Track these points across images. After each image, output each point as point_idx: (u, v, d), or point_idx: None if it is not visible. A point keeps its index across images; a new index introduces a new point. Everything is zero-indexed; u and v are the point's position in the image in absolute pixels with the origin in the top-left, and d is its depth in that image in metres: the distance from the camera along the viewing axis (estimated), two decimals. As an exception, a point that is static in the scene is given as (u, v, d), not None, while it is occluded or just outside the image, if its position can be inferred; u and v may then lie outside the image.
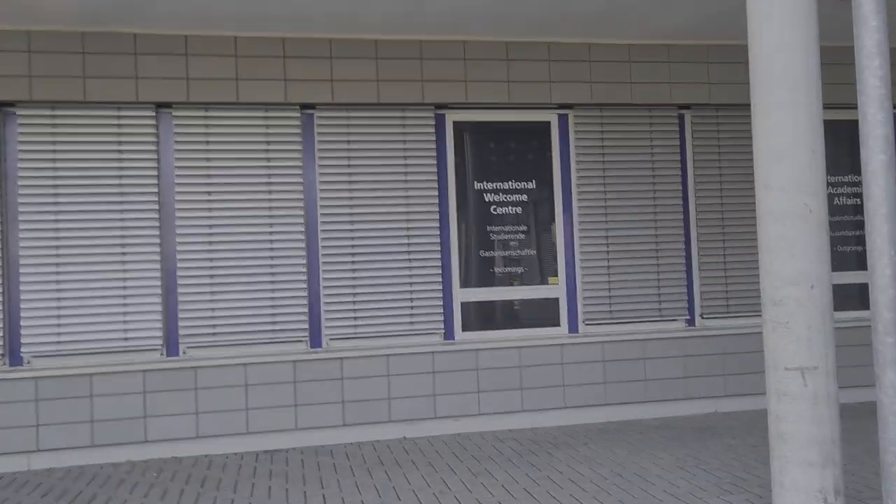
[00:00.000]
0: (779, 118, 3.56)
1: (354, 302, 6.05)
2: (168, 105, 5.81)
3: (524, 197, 6.47)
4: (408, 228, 6.17)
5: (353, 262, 6.06)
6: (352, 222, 6.07)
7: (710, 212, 6.73)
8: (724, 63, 6.64)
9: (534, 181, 6.50)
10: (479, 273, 6.39)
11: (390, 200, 6.15)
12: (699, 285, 6.69)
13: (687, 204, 6.71)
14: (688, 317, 6.64)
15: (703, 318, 6.68)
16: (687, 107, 6.73)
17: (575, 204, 6.51)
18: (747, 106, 6.97)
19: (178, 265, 5.77)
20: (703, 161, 6.73)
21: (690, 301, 6.68)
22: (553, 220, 6.51)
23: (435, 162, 6.25)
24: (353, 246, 6.07)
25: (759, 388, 6.56)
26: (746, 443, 5.46)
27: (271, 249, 5.92)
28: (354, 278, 6.06)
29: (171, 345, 5.76)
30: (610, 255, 6.52)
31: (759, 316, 6.92)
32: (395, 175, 6.17)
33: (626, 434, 5.84)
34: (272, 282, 5.92)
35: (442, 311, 6.21)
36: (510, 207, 6.44)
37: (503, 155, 6.49)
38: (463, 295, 6.31)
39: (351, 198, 6.09)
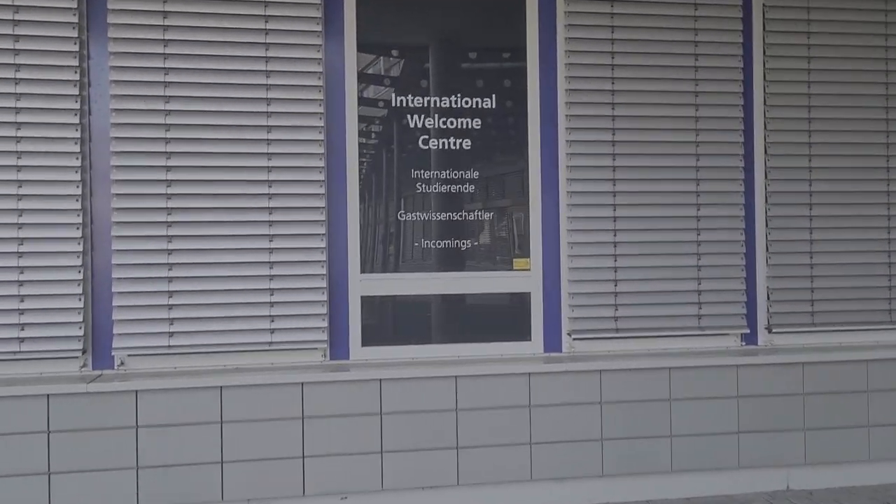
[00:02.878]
0: None
1: (170, 294, 3.51)
2: None
3: (477, 123, 3.85)
4: (269, 170, 3.60)
5: (168, 223, 3.52)
6: (167, 168, 3.52)
7: (791, 156, 4.05)
8: None
9: (493, 97, 3.87)
10: (393, 250, 3.81)
11: (238, 120, 3.58)
12: (766, 278, 4.04)
13: (751, 142, 4.05)
14: (746, 330, 4.01)
15: (770, 331, 4.04)
16: (757, -23, 4.06)
17: (562, 137, 3.89)
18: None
19: None
20: (781, 71, 4.04)
21: (751, 304, 4.04)
22: (525, 162, 3.89)
23: (320, 56, 3.65)
24: (168, 195, 3.52)
25: (863, 451, 3.93)
26: (862, 585, 2.86)
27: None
28: (170, 251, 3.51)
29: None
30: (618, 223, 3.90)
31: (874, 330, 4.05)
32: (250, 90, 3.59)
33: (632, 541, 3.27)
34: (17, 253, 3.40)
35: (326, 311, 3.65)
36: (453, 140, 3.83)
37: (444, 52, 3.87)
38: (365, 286, 3.74)
39: (166, 125, 3.52)
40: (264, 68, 3.58)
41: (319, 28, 3.63)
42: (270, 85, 3.58)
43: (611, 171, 3.88)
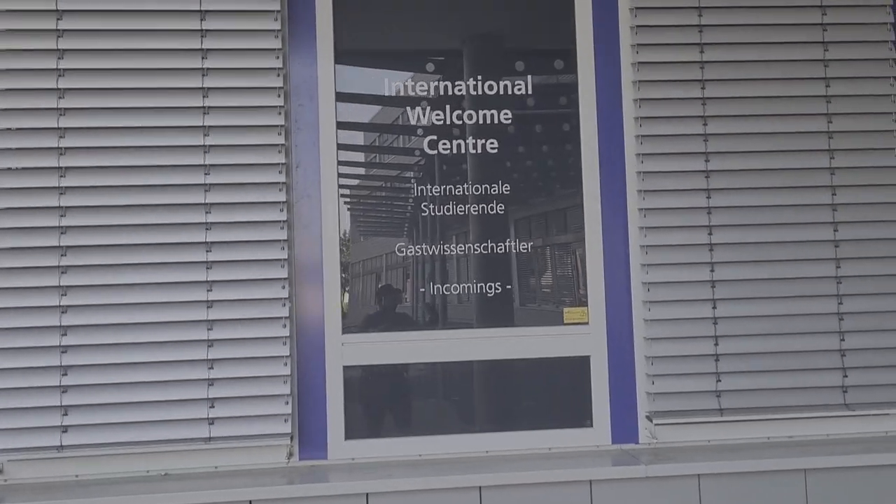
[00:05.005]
0: None
1: (64, 371, 2.43)
2: None
3: (506, 117, 2.70)
4: (206, 189, 2.51)
5: (61, 269, 2.45)
6: (61, 191, 2.47)
7: (972, 149, 2.77)
8: None
9: (528, 82, 2.72)
10: (390, 301, 2.67)
11: (161, 121, 2.52)
12: (943, 329, 2.74)
13: (910, 133, 2.79)
14: (917, 409, 2.71)
15: (953, 409, 2.73)
16: None
17: (628, 142, 2.70)
18: None
19: None
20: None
21: (921, 369, 2.74)
22: (577, 177, 2.71)
23: (277, 28, 2.57)
24: (62, 229, 2.46)
25: None
26: None
27: None
28: (65, 308, 2.44)
29: None
30: (716, 253, 2.67)
31: None
32: (181, 77, 2.54)
33: None
34: None
35: (291, 390, 2.52)
36: (476, 141, 2.69)
37: (463, 57, 2.76)
38: (349, 351, 2.59)
39: (60, 130, 2.49)
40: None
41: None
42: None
43: (704, 179, 2.67)
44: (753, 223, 2.67)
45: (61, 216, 2.45)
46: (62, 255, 2.44)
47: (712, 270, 2.66)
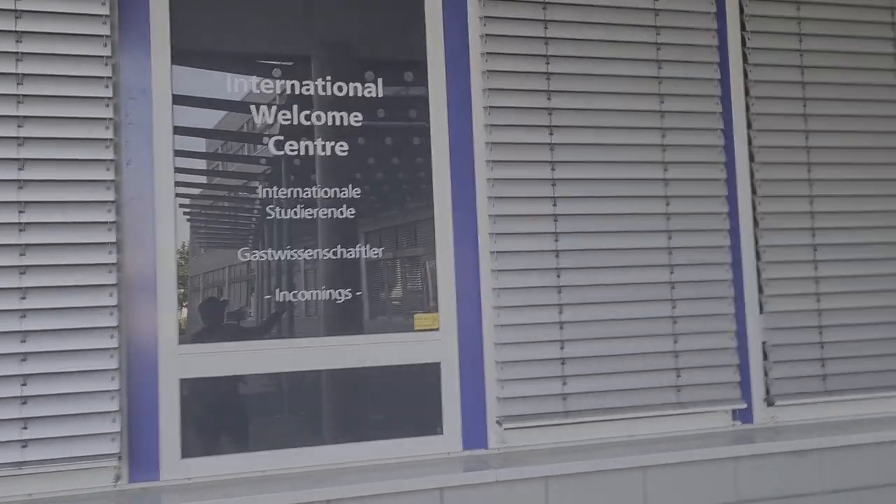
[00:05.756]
0: None
1: None
2: None
3: (356, 120, 2.64)
4: (20, 186, 2.27)
5: None
6: None
7: (784, 165, 3.01)
8: None
9: (379, 86, 2.68)
10: (232, 308, 2.53)
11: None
12: (762, 330, 2.96)
13: (731, 146, 2.99)
14: (741, 405, 2.89)
15: (771, 404, 2.94)
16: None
17: (479, 148, 2.72)
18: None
19: None
20: (764, 64, 3.02)
21: (744, 368, 2.93)
22: (428, 182, 2.69)
23: (105, 13, 2.37)
24: None
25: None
26: None
27: None
28: None
29: None
30: (562, 259, 2.74)
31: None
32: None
33: None
34: None
35: (120, 406, 2.31)
36: (325, 143, 2.60)
37: (315, 30, 2.67)
38: (186, 363, 2.42)
39: None
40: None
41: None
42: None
43: (550, 187, 2.74)
44: (597, 230, 2.77)
45: None
46: None
47: (559, 276, 2.72)
